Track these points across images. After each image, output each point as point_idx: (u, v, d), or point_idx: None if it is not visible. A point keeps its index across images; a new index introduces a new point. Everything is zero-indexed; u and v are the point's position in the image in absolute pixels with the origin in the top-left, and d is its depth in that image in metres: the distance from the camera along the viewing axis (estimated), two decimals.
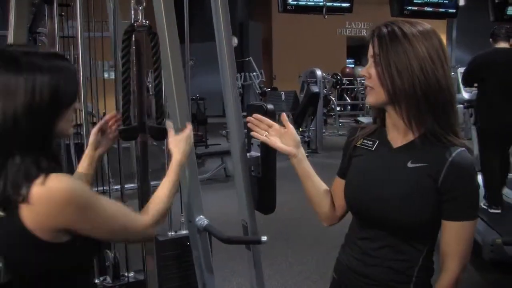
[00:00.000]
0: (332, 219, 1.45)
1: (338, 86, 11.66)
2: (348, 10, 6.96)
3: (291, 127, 1.43)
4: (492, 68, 3.98)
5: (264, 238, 1.87)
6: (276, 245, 3.92)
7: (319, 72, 8.62)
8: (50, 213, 1.03)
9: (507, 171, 4.27)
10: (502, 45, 4.06)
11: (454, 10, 6.79)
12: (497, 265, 3.57)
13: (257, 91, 9.60)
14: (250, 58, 9.96)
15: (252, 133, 1.48)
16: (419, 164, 1.19)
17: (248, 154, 2.07)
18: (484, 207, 4.15)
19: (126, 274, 2.21)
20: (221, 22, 2.01)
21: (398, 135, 1.25)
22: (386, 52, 1.16)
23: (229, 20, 2.07)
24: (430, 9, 6.68)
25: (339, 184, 1.39)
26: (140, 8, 1.39)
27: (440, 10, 6.78)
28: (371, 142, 1.30)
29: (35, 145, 1.06)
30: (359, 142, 1.33)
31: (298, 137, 1.44)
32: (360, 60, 18.22)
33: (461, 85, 4.73)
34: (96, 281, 1.87)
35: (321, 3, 6.70)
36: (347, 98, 14.00)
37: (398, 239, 1.23)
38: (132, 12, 1.44)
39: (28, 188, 1.02)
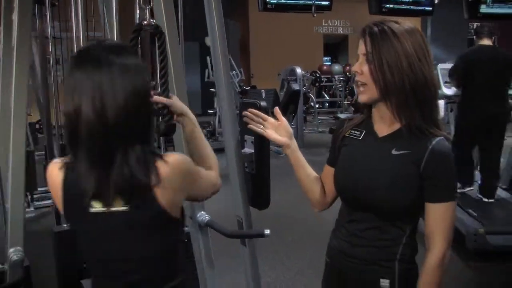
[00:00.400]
0: (323, 204, 1.55)
1: (317, 84, 11.76)
2: (328, 8, 7.03)
3: (284, 119, 1.52)
4: (477, 66, 4.12)
5: (267, 232, 1.91)
6: (268, 241, 3.96)
7: (299, 70, 8.71)
8: (178, 186, 1.13)
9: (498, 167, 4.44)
10: (486, 42, 4.20)
11: (431, 8, 6.94)
12: (480, 254, 3.69)
13: (237, 90, 9.61)
14: (230, 57, 9.95)
15: (249, 126, 1.54)
16: (403, 152, 1.30)
17: (241, 151, 2.11)
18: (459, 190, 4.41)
19: None
20: (215, 20, 2.05)
21: (384, 125, 1.35)
22: (379, 50, 1.26)
23: (222, 18, 2.11)
24: (408, 7, 6.81)
25: (329, 171, 1.49)
26: (148, 7, 1.40)
27: (418, 8, 6.92)
28: (358, 132, 1.40)
29: (149, 134, 1.14)
30: (347, 133, 1.43)
31: (291, 129, 1.54)
32: (336, 57, 18.36)
33: (441, 81, 4.86)
34: None
35: (301, 2, 6.76)
36: (325, 95, 14.13)
37: (384, 221, 1.33)
38: (138, 11, 1.46)
39: (156, 170, 1.08)
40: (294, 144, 1.51)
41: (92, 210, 1.10)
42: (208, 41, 2.10)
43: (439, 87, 4.63)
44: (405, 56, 1.24)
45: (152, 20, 1.42)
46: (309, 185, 1.53)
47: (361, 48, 1.30)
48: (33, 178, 4.21)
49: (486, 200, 4.32)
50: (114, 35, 1.68)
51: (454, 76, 4.38)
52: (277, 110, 1.53)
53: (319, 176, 1.55)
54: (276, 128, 1.51)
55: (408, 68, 1.24)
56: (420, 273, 1.33)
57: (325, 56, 17.62)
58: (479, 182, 4.49)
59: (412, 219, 1.35)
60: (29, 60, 1.64)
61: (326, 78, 13.50)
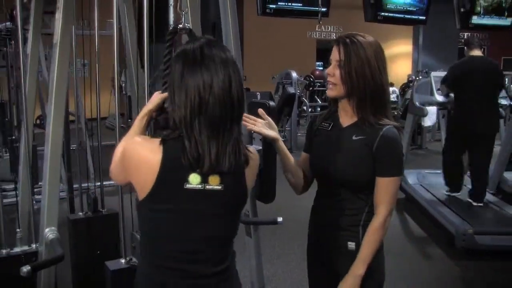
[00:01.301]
0: (302, 187, 1.81)
1: (310, 88, 11.94)
2: (325, 14, 7.16)
3: (269, 118, 1.74)
4: (470, 76, 4.32)
5: (280, 219, 2.06)
6: (266, 237, 4.09)
7: (294, 74, 8.88)
8: (254, 173, 1.28)
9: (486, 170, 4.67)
10: (476, 52, 4.41)
11: (424, 18, 7.14)
12: (469, 253, 3.88)
13: None
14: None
15: (248, 128, 1.72)
16: (360, 137, 1.61)
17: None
18: (447, 193, 4.78)
19: None
20: (229, 21, 2.21)
21: (347, 117, 1.67)
22: (349, 60, 1.56)
23: (236, 19, 2.27)
24: (402, 15, 7.00)
25: (305, 157, 1.80)
26: (183, 12, 1.55)
27: (412, 17, 7.12)
28: (327, 124, 1.72)
29: None
30: (319, 125, 1.74)
31: (276, 126, 1.77)
32: (328, 63, 18.54)
33: (434, 88, 5.04)
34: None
35: (299, 8, 6.91)
36: (318, 99, 14.31)
37: (350, 193, 1.64)
38: (172, 15, 1.61)
39: (246, 152, 1.23)
40: (280, 138, 1.75)
41: (188, 186, 1.17)
42: None
43: (432, 94, 4.82)
44: (369, 67, 1.55)
45: (187, 25, 1.56)
46: (294, 171, 1.77)
47: (335, 55, 1.60)
48: (36, 171, 4.26)
49: (475, 204, 4.52)
50: (145, 36, 1.82)
51: (446, 84, 4.59)
52: (261, 110, 1.74)
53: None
54: (266, 126, 1.71)
55: (370, 77, 1.56)
56: (366, 232, 1.60)
57: (317, 61, 17.84)
58: (470, 187, 4.71)
59: (371, 192, 1.63)
60: (69, 55, 1.77)
61: (319, 82, 13.67)
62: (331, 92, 1.64)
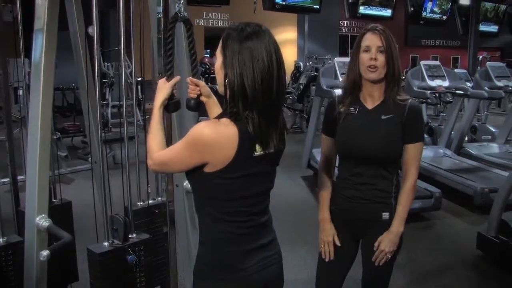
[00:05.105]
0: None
1: (206, 75, 12.09)
2: (225, 2, 7.37)
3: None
4: None
5: None
6: None
7: None
8: None
9: None
10: None
11: (318, 7, 7.70)
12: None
13: (128, 81, 9.50)
14: (120, 48, 9.76)
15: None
16: (389, 116, 1.81)
17: None
18: None
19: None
20: None
21: (372, 100, 1.85)
22: (390, 46, 1.79)
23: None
24: (299, 4, 7.47)
25: (331, 142, 1.96)
26: (181, 2, 1.63)
27: (307, 5, 7.64)
28: (353, 108, 1.88)
29: None
30: (344, 109, 1.89)
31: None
32: (215, 50, 18.69)
33: (338, 72, 5.46)
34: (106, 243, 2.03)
35: None
36: (213, 87, 14.51)
37: (380, 168, 1.83)
38: (161, 3, 1.69)
39: None
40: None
41: (256, 154, 1.38)
42: (90, 29, 2.24)
43: (337, 78, 5.26)
44: (396, 52, 1.80)
45: (184, 13, 1.66)
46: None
47: (376, 42, 1.79)
48: None
49: None
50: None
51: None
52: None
53: (324, 157, 2.00)
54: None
55: (399, 61, 1.81)
56: (400, 194, 1.83)
57: (205, 48, 17.94)
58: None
59: (397, 165, 1.87)
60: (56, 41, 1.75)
61: (212, 70, 13.87)
62: (374, 75, 1.79)
